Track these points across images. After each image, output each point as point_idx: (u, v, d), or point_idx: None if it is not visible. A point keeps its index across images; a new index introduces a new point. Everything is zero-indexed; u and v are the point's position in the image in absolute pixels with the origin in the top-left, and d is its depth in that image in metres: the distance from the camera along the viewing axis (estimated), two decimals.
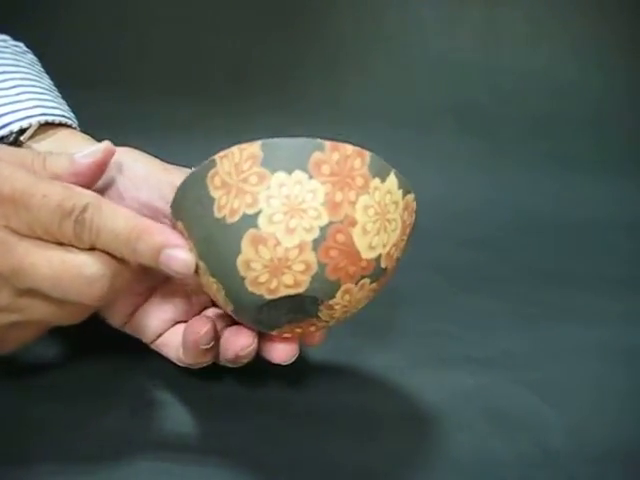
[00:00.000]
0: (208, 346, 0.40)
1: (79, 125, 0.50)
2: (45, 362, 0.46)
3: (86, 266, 0.36)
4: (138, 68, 0.85)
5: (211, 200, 0.36)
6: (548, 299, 0.60)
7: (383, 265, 0.37)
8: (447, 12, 0.90)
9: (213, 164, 0.36)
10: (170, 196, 0.40)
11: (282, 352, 0.41)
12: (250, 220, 0.35)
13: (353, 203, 0.35)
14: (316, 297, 0.36)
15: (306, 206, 0.35)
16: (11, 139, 0.46)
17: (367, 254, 0.36)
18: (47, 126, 0.47)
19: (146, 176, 0.42)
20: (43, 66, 0.55)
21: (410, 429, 0.43)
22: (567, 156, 0.86)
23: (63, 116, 0.48)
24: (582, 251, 0.71)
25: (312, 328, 0.39)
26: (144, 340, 0.44)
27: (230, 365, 0.42)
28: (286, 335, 0.40)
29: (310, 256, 0.35)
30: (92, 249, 0.37)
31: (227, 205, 0.35)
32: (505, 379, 0.47)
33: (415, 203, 0.39)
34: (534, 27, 0.91)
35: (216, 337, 0.41)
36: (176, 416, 0.43)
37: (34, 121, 0.46)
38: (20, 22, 0.75)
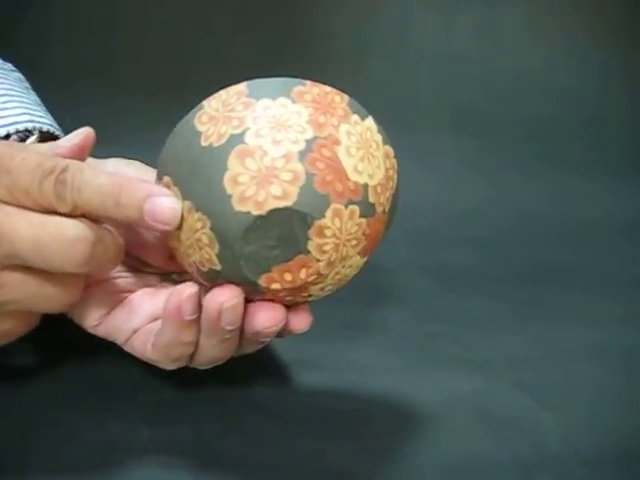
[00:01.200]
0: (191, 317, 0.38)
1: (69, 126, 0.50)
2: (39, 366, 0.46)
3: (67, 227, 0.35)
4: (130, 69, 0.85)
5: (197, 134, 0.36)
6: (546, 300, 0.59)
7: (371, 200, 0.37)
8: (444, 12, 0.89)
9: (201, 107, 0.37)
10: None
11: (267, 316, 0.38)
12: (237, 138, 0.35)
13: (336, 126, 0.36)
14: (305, 214, 0.35)
15: (291, 123, 0.36)
16: None
17: (354, 176, 0.36)
18: (43, 143, 0.46)
19: (138, 176, 0.41)
20: (32, 67, 0.56)
21: (405, 431, 0.42)
22: (565, 157, 0.86)
23: (51, 125, 0.48)
24: (580, 252, 0.71)
25: (302, 273, 0.36)
26: (117, 341, 0.42)
27: (207, 363, 0.40)
28: (275, 286, 0.37)
29: (297, 166, 0.35)
30: (73, 214, 0.36)
31: (214, 133, 0.36)
32: (502, 381, 0.47)
33: (395, 161, 0.39)
34: (532, 28, 0.91)
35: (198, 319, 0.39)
36: (167, 418, 0.42)
37: (21, 127, 0.46)
38: (12, 26, 0.75)
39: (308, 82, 0.38)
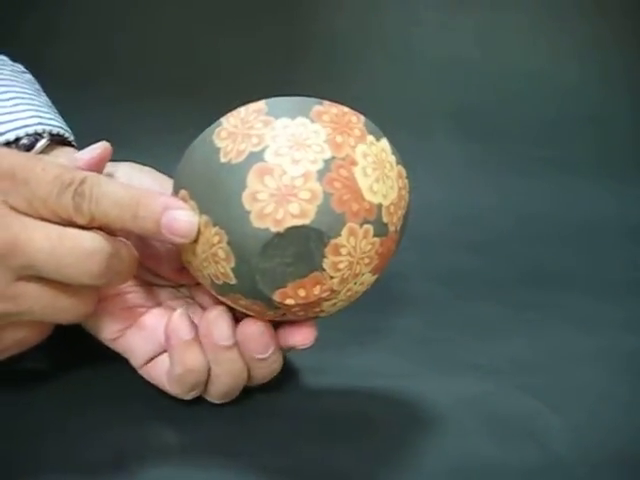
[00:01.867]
0: (188, 336, 0.39)
1: (79, 128, 0.51)
2: (54, 368, 0.46)
3: (83, 239, 0.36)
4: (135, 70, 0.85)
5: (216, 150, 0.37)
6: (551, 304, 0.59)
7: (385, 220, 0.38)
8: (449, 15, 0.89)
9: (219, 123, 0.38)
10: None
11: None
12: (256, 156, 0.36)
13: (353, 147, 0.37)
14: (322, 232, 0.36)
15: (310, 142, 0.36)
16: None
17: (369, 196, 0.37)
18: (53, 145, 0.47)
19: (150, 186, 0.42)
20: (41, 68, 0.56)
21: (414, 435, 0.43)
22: (569, 160, 0.86)
23: (61, 127, 0.48)
24: (584, 255, 0.71)
25: (316, 289, 0.37)
26: (133, 363, 0.43)
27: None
28: (288, 301, 0.37)
29: (315, 185, 0.36)
30: (90, 226, 0.36)
31: (233, 150, 0.36)
32: (509, 385, 0.47)
33: (407, 181, 0.40)
34: (536, 30, 0.90)
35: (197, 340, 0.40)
36: (181, 422, 0.43)
37: (30, 130, 0.46)
38: (18, 26, 0.75)
39: (326, 102, 0.38)
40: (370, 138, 0.38)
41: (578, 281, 0.65)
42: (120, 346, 0.43)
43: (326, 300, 0.38)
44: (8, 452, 0.39)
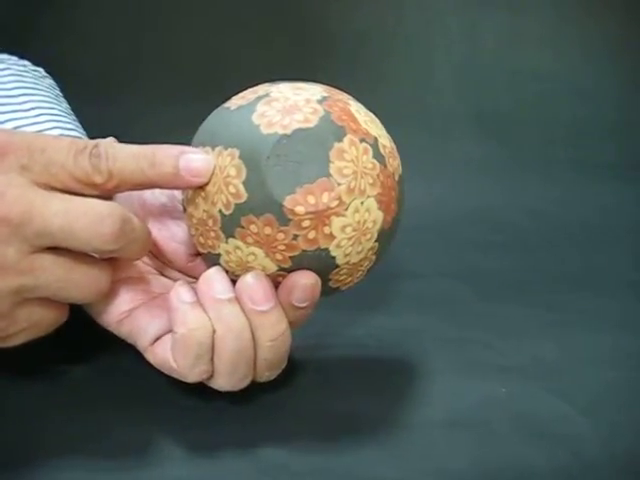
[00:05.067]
0: (189, 299, 0.40)
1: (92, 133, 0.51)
2: (62, 370, 0.46)
3: (97, 204, 0.37)
4: (140, 74, 0.85)
5: (226, 108, 0.41)
6: (576, 305, 0.58)
7: (382, 152, 0.40)
8: (469, 17, 0.89)
9: (228, 99, 0.42)
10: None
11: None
12: (263, 97, 0.40)
13: (346, 101, 0.42)
14: (326, 136, 0.39)
15: (307, 86, 0.41)
16: None
17: (365, 125, 0.40)
18: None
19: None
20: (61, 71, 0.57)
21: (441, 437, 0.42)
22: (590, 161, 0.85)
23: (79, 137, 0.49)
24: (608, 256, 0.69)
25: (325, 196, 0.38)
26: (139, 345, 0.42)
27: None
28: (299, 209, 0.38)
29: (316, 105, 0.40)
30: (109, 184, 0.38)
31: (241, 100, 0.41)
32: (536, 386, 0.47)
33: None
34: (555, 33, 0.90)
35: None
36: (191, 423, 0.42)
37: None
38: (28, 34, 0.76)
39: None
40: (361, 105, 0.42)
41: (602, 282, 0.64)
42: (126, 327, 0.42)
43: (335, 214, 0.39)
44: (10, 450, 0.39)
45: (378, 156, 0.40)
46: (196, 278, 0.43)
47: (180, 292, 0.40)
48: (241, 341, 0.39)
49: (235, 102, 0.41)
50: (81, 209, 0.36)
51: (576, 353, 0.51)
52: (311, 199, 0.38)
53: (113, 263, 0.40)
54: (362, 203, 0.39)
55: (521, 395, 0.46)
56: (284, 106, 0.39)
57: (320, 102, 0.40)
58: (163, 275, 0.45)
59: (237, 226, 0.39)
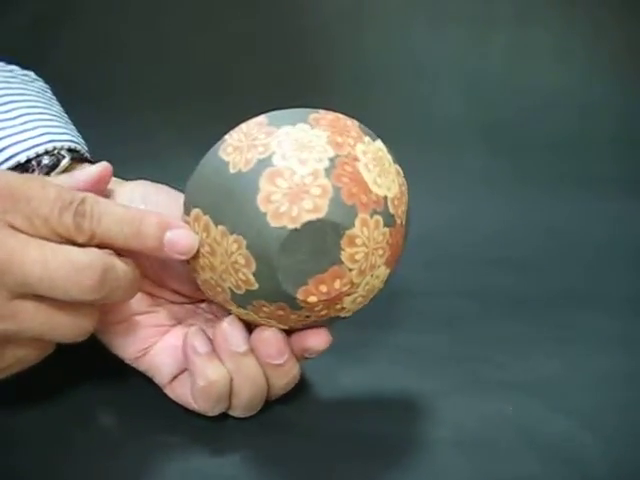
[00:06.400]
0: (204, 349, 0.41)
1: (89, 143, 0.51)
2: (60, 382, 0.46)
3: (76, 253, 0.36)
4: (136, 80, 0.85)
5: (225, 164, 0.38)
6: (583, 323, 0.58)
7: (392, 211, 0.39)
8: (476, 31, 0.89)
9: (223, 140, 0.39)
10: None
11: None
12: (265, 162, 0.38)
13: (352, 146, 0.39)
14: (337, 224, 0.37)
15: (313, 144, 0.38)
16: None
17: (375, 188, 0.39)
18: (74, 164, 0.47)
19: (167, 205, 0.42)
20: (64, 83, 0.56)
21: (446, 454, 0.42)
22: (596, 176, 0.84)
23: (72, 141, 0.48)
24: (616, 273, 0.69)
25: (337, 283, 0.38)
26: (158, 381, 0.43)
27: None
28: (311, 298, 0.38)
29: (324, 181, 0.37)
30: (90, 243, 0.37)
31: (241, 160, 0.38)
32: (543, 405, 0.46)
33: (404, 180, 0.41)
34: (562, 47, 0.90)
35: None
36: (188, 438, 0.42)
37: (41, 149, 0.46)
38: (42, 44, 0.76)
39: (321, 110, 0.40)
40: (367, 139, 0.40)
41: (608, 299, 0.63)
42: (143, 365, 0.43)
43: (347, 295, 0.39)
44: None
45: (388, 219, 0.39)
46: (203, 301, 0.44)
47: (195, 345, 0.41)
48: (257, 387, 0.41)
49: (233, 156, 0.38)
50: (59, 259, 0.35)
51: (584, 371, 0.51)
52: (323, 288, 0.38)
53: (102, 305, 0.39)
54: (372, 275, 0.39)
55: (528, 413, 0.45)
56: (290, 187, 0.37)
57: (328, 172, 0.37)
58: (171, 302, 0.44)
59: (249, 304, 0.39)
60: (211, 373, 0.41)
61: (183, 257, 0.39)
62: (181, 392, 0.43)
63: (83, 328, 0.38)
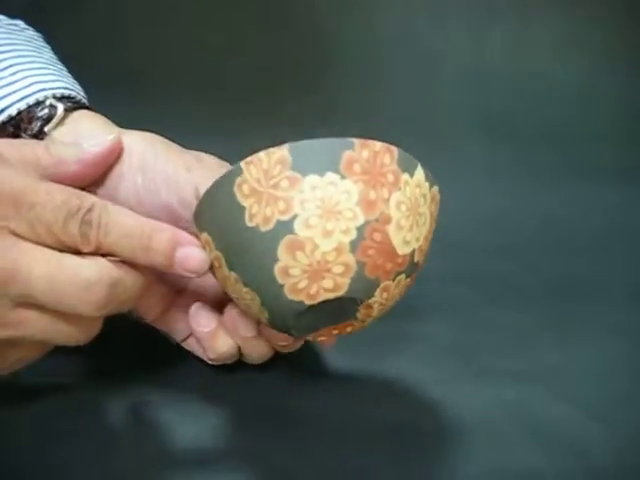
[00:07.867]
0: (209, 328, 0.42)
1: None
2: (76, 380, 0.46)
3: (83, 268, 0.34)
4: (146, 70, 0.85)
5: (241, 209, 0.35)
6: (584, 311, 0.58)
7: (416, 259, 0.38)
8: (477, 23, 0.89)
9: (239, 171, 0.35)
10: (190, 199, 0.39)
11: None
12: (285, 226, 0.34)
13: (387, 200, 0.35)
14: (355, 298, 0.36)
15: (341, 207, 0.34)
16: (35, 130, 0.44)
17: (402, 250, 0.36)
18: (69, 112, 0.45)
19: (166, 178, 0.41)
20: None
21: (447, 443, 0.42)
22: (597, 166, 0.85)
23: (66, 88, 0.46)
24: (612, 261, 0.69)
25: (349, 329, 0.39)
26: (175, 339, 0.46)
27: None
28: (321, 338, 0.40)
29: (348, 257, 0.35)
30: (96, 253, 0.35)
31: (259, 213, 0.35)
32: (545, 393, 0.46)
33: (439, 195, 0.39)
34: (563, 38, 0.90)
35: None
36: (202, 430, 0.42)
37: (32, 100, 0.44)
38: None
39: (356, 142, 0.35)
40: (404, 177, 0.36)
41: (608, 287, 0.63)
42: (161, 326, 0.45)
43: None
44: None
45: (411, 270, 0.38)
46: None
47: (200, 323, 0.42)
48: (267, 356, 0.44)
49: (251, 203, 0.35)
50: (66, 274, 0.34)
51: (586, 358, 0.51)
52: (334, 331, 0.39)
53: None
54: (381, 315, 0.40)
55: (528, 400, 0.45)
56: (310, 264, 0.34)
57: (354, 246, 0.34)
58: None
59: (259, 320, 0.40)
60: (220, 347, 0.42)
61: (193, 276, 0.37)
62: (194, 347, 0.45)
63: (87, 334, 0.37)
